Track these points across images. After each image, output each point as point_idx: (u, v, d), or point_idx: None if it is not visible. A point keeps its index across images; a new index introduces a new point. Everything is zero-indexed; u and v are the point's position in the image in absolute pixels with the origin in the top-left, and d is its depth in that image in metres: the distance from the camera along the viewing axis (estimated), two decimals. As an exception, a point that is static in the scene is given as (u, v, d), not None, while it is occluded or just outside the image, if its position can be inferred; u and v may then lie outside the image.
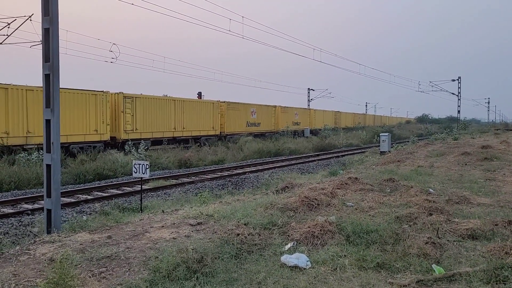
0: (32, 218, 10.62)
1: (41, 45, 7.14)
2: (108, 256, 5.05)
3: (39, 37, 15.95)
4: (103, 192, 14.32)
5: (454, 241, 5.64)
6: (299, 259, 4.88)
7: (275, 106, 41.05)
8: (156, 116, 25.72)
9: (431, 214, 6.74)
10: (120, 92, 23.48)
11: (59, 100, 7.07)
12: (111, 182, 16.27)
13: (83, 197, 13.43)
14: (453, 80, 52.99)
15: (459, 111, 54.89)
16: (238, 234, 5.63)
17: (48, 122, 7.01)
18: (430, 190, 9.16)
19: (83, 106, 21.09)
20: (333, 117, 56.32)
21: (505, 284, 4.25)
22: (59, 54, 7.07)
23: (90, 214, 10.95)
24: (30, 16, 19.10)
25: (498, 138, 29.67)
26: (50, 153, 6.97)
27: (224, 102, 32.94)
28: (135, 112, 24.22)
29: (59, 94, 7.08)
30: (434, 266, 4.70)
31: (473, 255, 5.13)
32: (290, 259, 4.88)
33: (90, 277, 4.43)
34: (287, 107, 43.15)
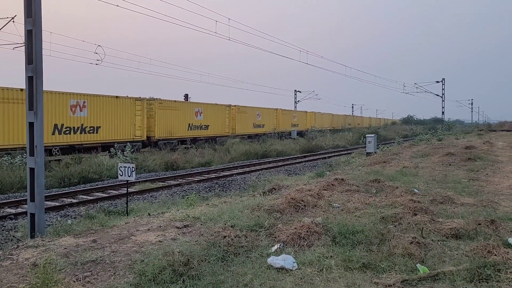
0: (15, 222, 10.45)
1: (24, 47, 7.04)
2: (93, 260, 5.00)
3: (22, 38, 15.73)
4: (88, 196, 14.16)
5: (438, 240, 5.71)
6: (286, 260, 4.89)
7: (306, 112, 52.88)
8: (248, 119, 38.45)
9: (415, 214, 6.82)
10: (236, 105, 36.41)
11: (43, 103, 6.98)
12: (97, 185, 16.11)
13: (68, 200, 13.27)
14: (437, 82, 53.79)
15: (443, 112, 55.79)
16: (224, 237, 5.62)
17: (31, 125, 6.92)
18: (415, 190, 9.26)
19: (223, 114, 34.59)
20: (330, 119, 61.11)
21: (487, 282, 4.32)
22: (43, 56, 6.99)
23: (75, 218, 10.83)
24: (13, 18, 18.82)
25: (481, 139, 30.16)
26: (33, 156, 6.87)
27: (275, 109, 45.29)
28: (241, 117, 37.18)
29: (42, 97, 6.99)
30: (418, 265, 4.75)
31: (457, 254, 5.20)
32: (276, 261, 4.88)
33: (74, 281, 4.38)
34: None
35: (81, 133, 21.41)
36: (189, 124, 30.14)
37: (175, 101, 28.99)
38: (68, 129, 20.88)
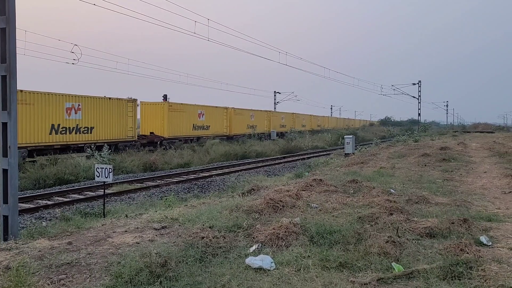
0: (-12, 225, 10.16)
1: (-4, 45, 6.86)
2: (68, 263, 4.91)
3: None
4: (64, 197, 13.90)
5: (413, 239, 5.82)
6: (264, 260, 4.91)
7: (267, 112, 51.45)
8: (185, 120, 33.97)
9: (391, 214, 6.93)
10: (233, 107, 38.72)
11: (16, 103, 6.83)
12: (73, 186, 15.83)
13: (43, 202, 13.00)
14: (414, 84, 54.82)
15: (419, 114, 56.79)
16: (203, 237, 5.61)
17: (4, 125, 6.76)
18: (391, 190, 9.42)
19: (121, 112, 27.40)
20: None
21: (460, 280, 4.43)
22: (17, 55, 6.83)
23: (50, 220, 10.62)
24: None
25: (456, 140, 30.89)
26: (7, 157, 6.71)
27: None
28: (175, 117, 32.03)
29: (16, 96, 6.83)
30: (393, 264, 4.84)
31: (431, 252, 5.32)
32: (254, 261, 4.90)
33: (48, 284, 4.30)
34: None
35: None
36: (52, 125, 21.10)
37: (25, 91, 19.58)
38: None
